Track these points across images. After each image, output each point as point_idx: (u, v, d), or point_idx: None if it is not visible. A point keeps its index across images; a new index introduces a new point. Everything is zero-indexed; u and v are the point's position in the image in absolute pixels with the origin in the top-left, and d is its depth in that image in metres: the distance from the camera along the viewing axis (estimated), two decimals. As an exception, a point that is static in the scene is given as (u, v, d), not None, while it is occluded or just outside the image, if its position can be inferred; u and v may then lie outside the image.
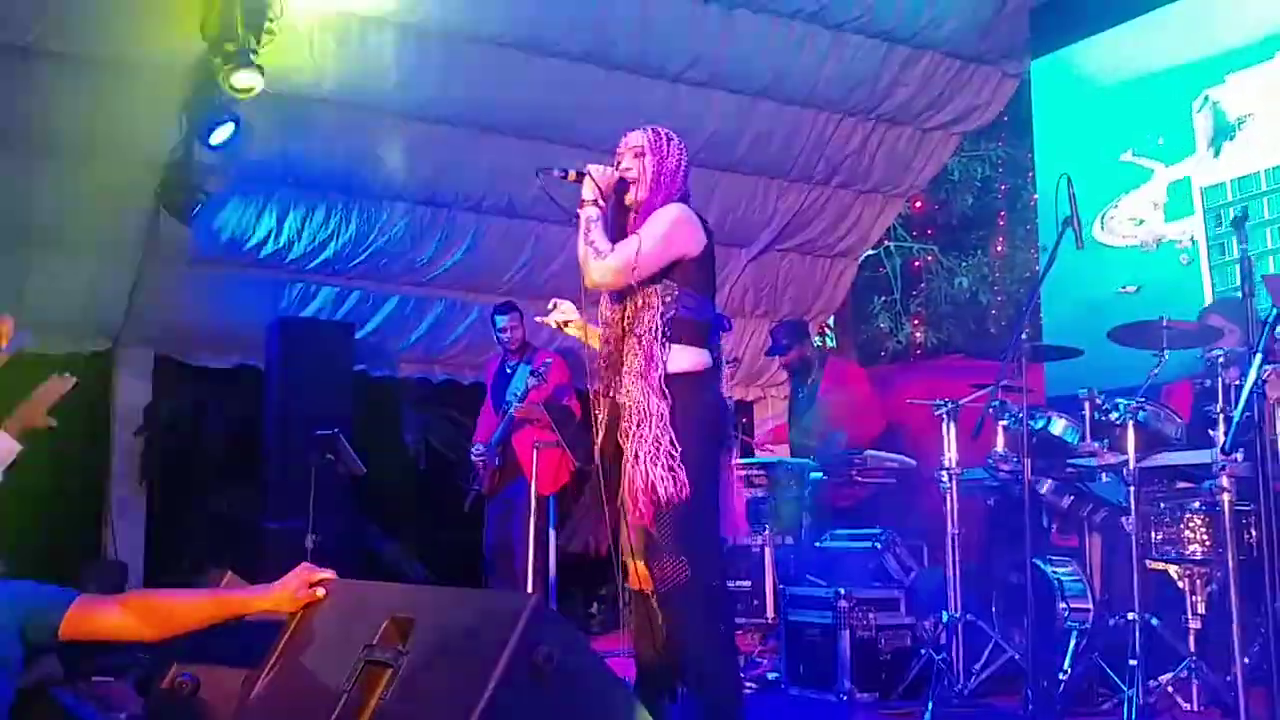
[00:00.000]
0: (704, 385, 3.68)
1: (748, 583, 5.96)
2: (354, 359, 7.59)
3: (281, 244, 7.35)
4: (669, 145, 3.85)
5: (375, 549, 8.17)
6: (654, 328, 3.61)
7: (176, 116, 6.52)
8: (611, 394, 3.70)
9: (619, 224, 3.81)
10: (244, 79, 5.96)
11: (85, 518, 7.39)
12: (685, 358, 3.64)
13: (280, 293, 7.59)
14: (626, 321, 3.68)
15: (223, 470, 7.92)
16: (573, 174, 3.81)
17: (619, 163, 3.85)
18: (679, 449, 3.51)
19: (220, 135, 6.39)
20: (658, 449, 3.51)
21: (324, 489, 6.32)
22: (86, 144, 6.52)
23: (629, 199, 3.81)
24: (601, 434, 3.74)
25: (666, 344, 3.60)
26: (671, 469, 3.50)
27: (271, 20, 5.94)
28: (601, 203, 3.76)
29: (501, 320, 6.82)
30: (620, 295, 3.72)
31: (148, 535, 7.42)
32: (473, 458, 6.84)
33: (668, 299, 3.63)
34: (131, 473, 7.50)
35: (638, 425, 3.56)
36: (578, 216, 3.74)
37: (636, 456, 3.54)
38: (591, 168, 3.80)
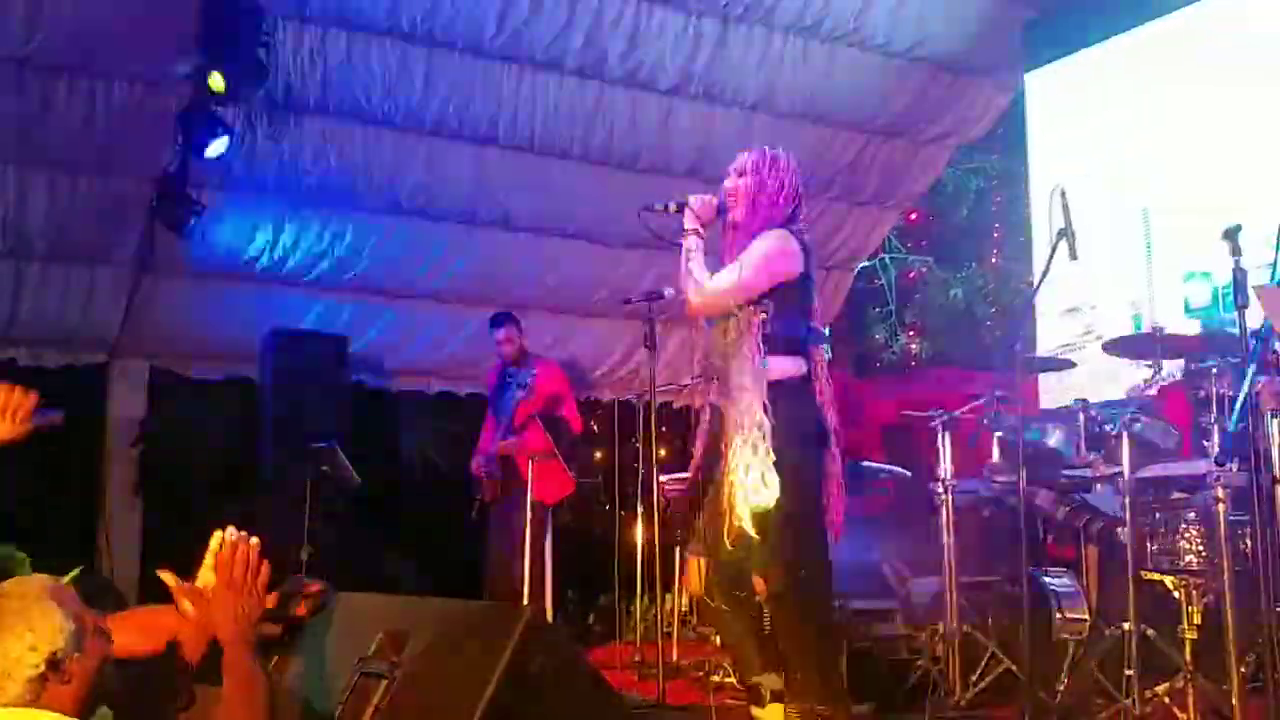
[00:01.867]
0: (799, 392, 3.85)
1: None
2: (350, 371, 7.58)
3: (277, 257, 7.35)
4: (772, 167, 3.99)
5: (370, 561, 8.15)
6: (754, 345, 3.78)
7: (171, 129, 6.52)
8: (713, 406, 3.89)
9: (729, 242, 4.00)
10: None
11: (80, 530, 7.37)
12: (779, 367, 3.81)
13: (276, 305, 7.59)
14: (729, 343, 3.84)
15: (218, 483, 7.90)
16: (674, 206, 4.04)
17: (726, 182, 4.04)
18: (773, 458, 3.65)
19: (215, 148, 6.40)
20: (755, 455, 3.65)
21: (320, 501, 6.31)
22: (82, 156, 6.52)
23: (730, 218, 3.99)
24: (701, 444, 3.95)
25: (764, 358, 3.78)
26: (769, 480, 3.63)
27: (265, 34, 5.96)
28: (702, 231, 3.98)
29: (497, 332, 6.82)
30: (721, 315, 3.89)
31: (142, 548, 7.40)
32: (474, 468, 6.84)
33: (764, 317, 3.80)
34: (126, 485, 7.49)
35: (740, 435, 3.69)
36: (680, 246, 3.96)
37: (736, 467, 3.67)
38: (691, 198, 4.01)
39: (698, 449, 4.01)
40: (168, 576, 2.35)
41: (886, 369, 12.25)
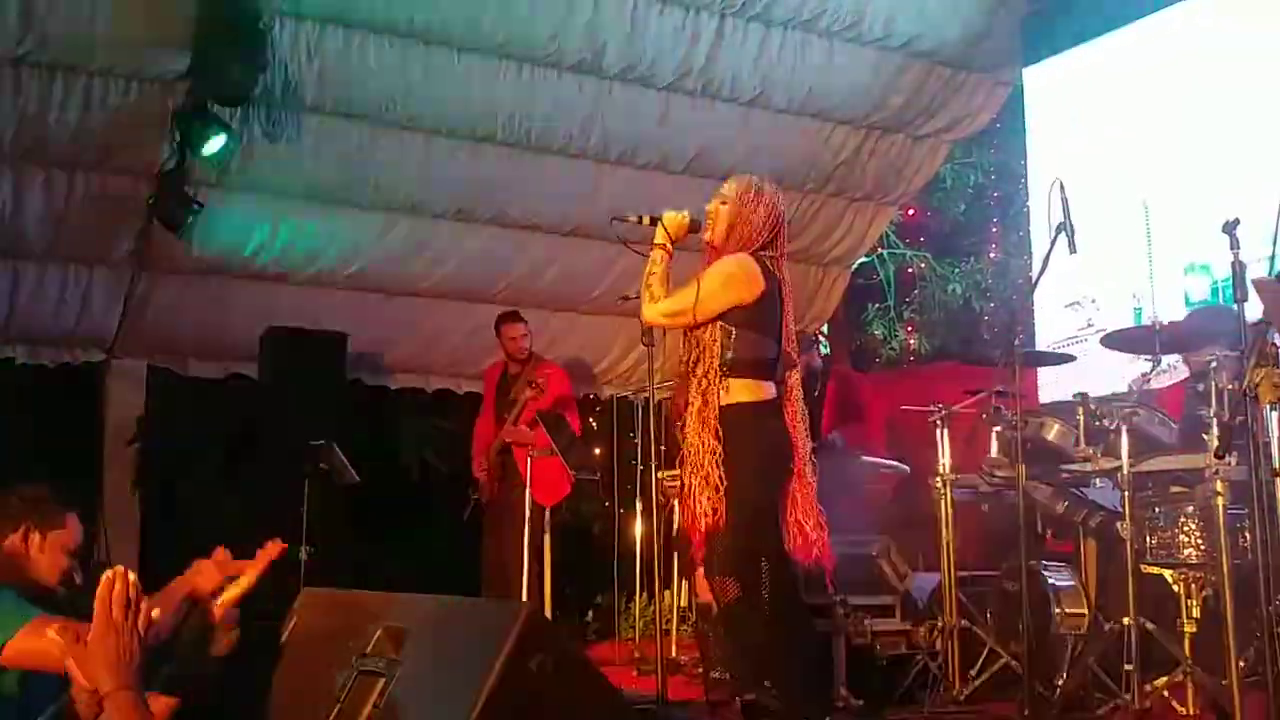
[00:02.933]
0: (762, 416, 3.91)
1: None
2: (348, 369, 7.58)
3: (274, 254, 7.34)
4: (756, 199, 4.06)
5: (369, 559, 8.15)
6: (711, 369, 3.88)
7: (168, 127, 6.51)
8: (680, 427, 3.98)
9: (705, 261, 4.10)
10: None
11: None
12: (744, 391, 3.88)
13: (273, 303, 7.57)
14: (691, 362, 3.95)
15: (216, 481, 7.90)
16: (647, 219, 4.15)
17: (708, 204, 4.12)
18: (725, 484, 3.77)
19: (212, 146, 6.40)
20: (705, 483, 3.79)
21: (318, 499, 6.31)
22: (78, 155, 6.52)
23: (706, 238, 4.09)
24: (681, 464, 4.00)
25: (724, 381, 3.86)
26: (715, 503, 3.77)
27: (261, 29, 5.94)
28: (670, 248, 4.06)
29: (511, 328, 6.83)
30: (685, 336, 4.01)
31: (140, 546, 7.40)
32: (474, 470, 6.84)
33: (725, 340, 3.89)
34: (124, 483, 7.48)
35: (692, 460, 3.84)
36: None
37: (689, 489, 3.84)
38: (665, 214, 4.09)
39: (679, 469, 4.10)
40: (51, 630, 2.19)
41: (885, 364, 12.27)
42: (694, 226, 4.09)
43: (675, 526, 4.11)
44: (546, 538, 6.58)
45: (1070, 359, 5.59)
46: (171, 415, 7.74)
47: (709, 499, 3.77)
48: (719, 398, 3.84)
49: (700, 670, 5.58)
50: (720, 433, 3.80)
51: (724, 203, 4.06)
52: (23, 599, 2.88)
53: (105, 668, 2.04)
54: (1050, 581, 4.97)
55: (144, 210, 6.83)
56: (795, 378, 4.11)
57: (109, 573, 2.13)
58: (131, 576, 2.13)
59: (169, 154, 6.59)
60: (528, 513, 6.22)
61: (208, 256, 7.18)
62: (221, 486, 7.84)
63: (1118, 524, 4.45)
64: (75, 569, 3.10)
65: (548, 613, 6.26)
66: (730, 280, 3.93)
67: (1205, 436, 4.12)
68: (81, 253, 7.01)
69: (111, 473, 7.47)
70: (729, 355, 3.87)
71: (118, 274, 7.17)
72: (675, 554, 6.55)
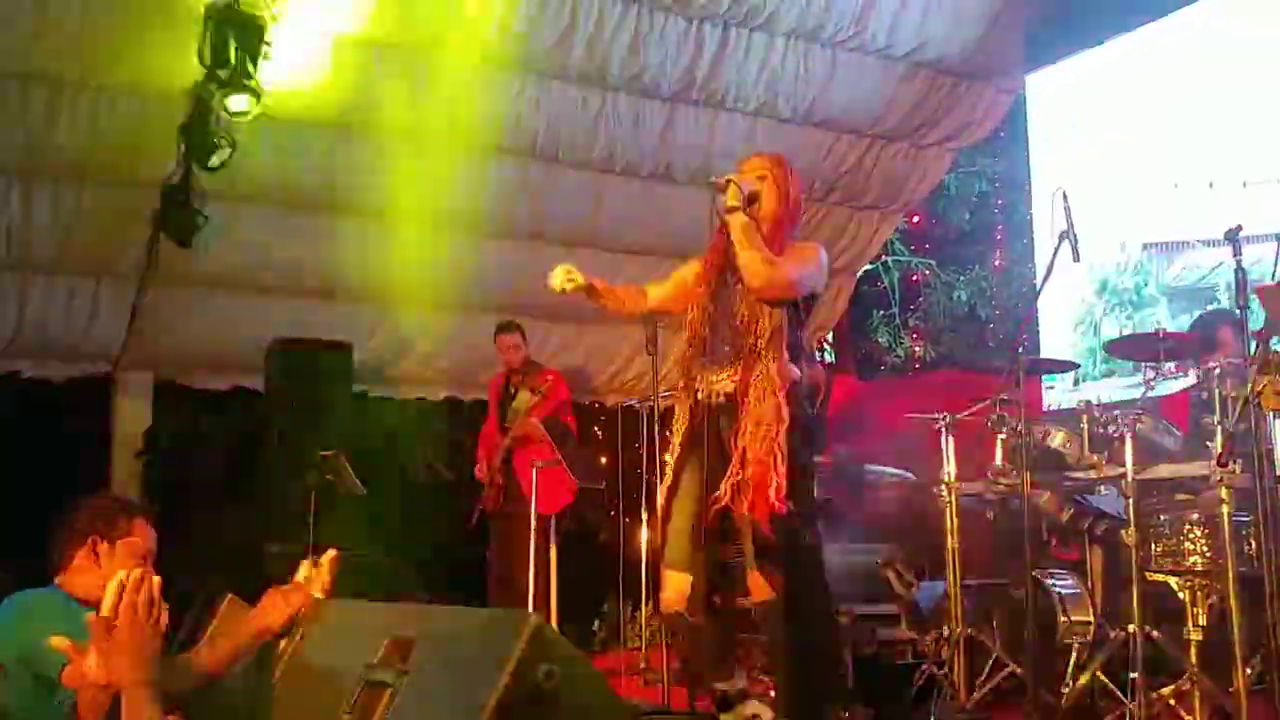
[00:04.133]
0: (808, 399, 3.95)
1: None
2: (354, 380, 7.59)
3: (280, 266, 7.36)
4: (791, 175, 4.05)
5: (375, 569, 8.15)
6: (781, 345, 3.78)
7: (175, 140, 6.53)
8: (708, 404, 3.82)
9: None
10: (238, 103, 6.00)
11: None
12: (794, 371, 3.85)
13: (279, 314, 7.59)
14: (753, 335, 3.80)
15: (223, 493, 7.91)
16: (723, 180, 3.93)
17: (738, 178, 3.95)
18: (786, 460, 3.66)
19: (218, 159, 6.41)
20: (776, 458, 3.65)
21: (324, 510, 6.32)
22: (85, 167, 6.54)
23: (754, 212, 3.92)
24: (684, 426, 3.88)
25: (787, 360, 3.80)
26: (779, 477, 3.64)
27: (267, 45, 5.96)
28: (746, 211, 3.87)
29: (504, 339, 6.84)
30: (735, 304, 3.85)
31: (149, 558, 7.41)
32: (478, 473, 6.85)
33: (792, 322, 3.85)
34: (132, 496, 7.49)
35: (761, 432, 3.68)
36: (724, 220, 3.86)
37: (757, 461, 3.66)
38: (737, 179, 3.92)
39: (677, 450, 3.92)
40: (59, 642, 2.19)
41: (890, 371, 12.27)
42: (752, 198, 3.96)
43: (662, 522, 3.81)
44: (552, 547, 6.59)
45: (1075, 366, 5.61)
46: (179, 428, 7.75)
47: (777, 473, 3.63)
48: (788, 374, 3.76)
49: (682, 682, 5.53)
50: (786, 410, 3.70)
51: (763, 177, 4.00)
52: (72, 600, 2.91)
53: (129, 661, 2.12)
54: (1056, 589, 4.98)
55: (151, 223, 6.85)
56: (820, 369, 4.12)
57: (135, 573, 2.21)
58: (155, 578, 2.21)
59: (175, 167, 6.61)
60: (533, 522, 6.23)
61: (214, 269, 7.20)
62: (229, 498, 7.86)
63: (1122, 531, 4.46)
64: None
65: (554, 622, 6.26)
66: (820, 269, 3.96)
67: (1210, 444, 4.13)
68: (88, 265, 7.03)
69: (119, 486, 7.48)
70: (788, 337, 3.82)
71: (124, 287, 7.19)
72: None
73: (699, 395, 3.86)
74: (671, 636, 5.04)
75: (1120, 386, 6.91)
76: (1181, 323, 6.64)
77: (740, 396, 3.75)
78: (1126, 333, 6.88)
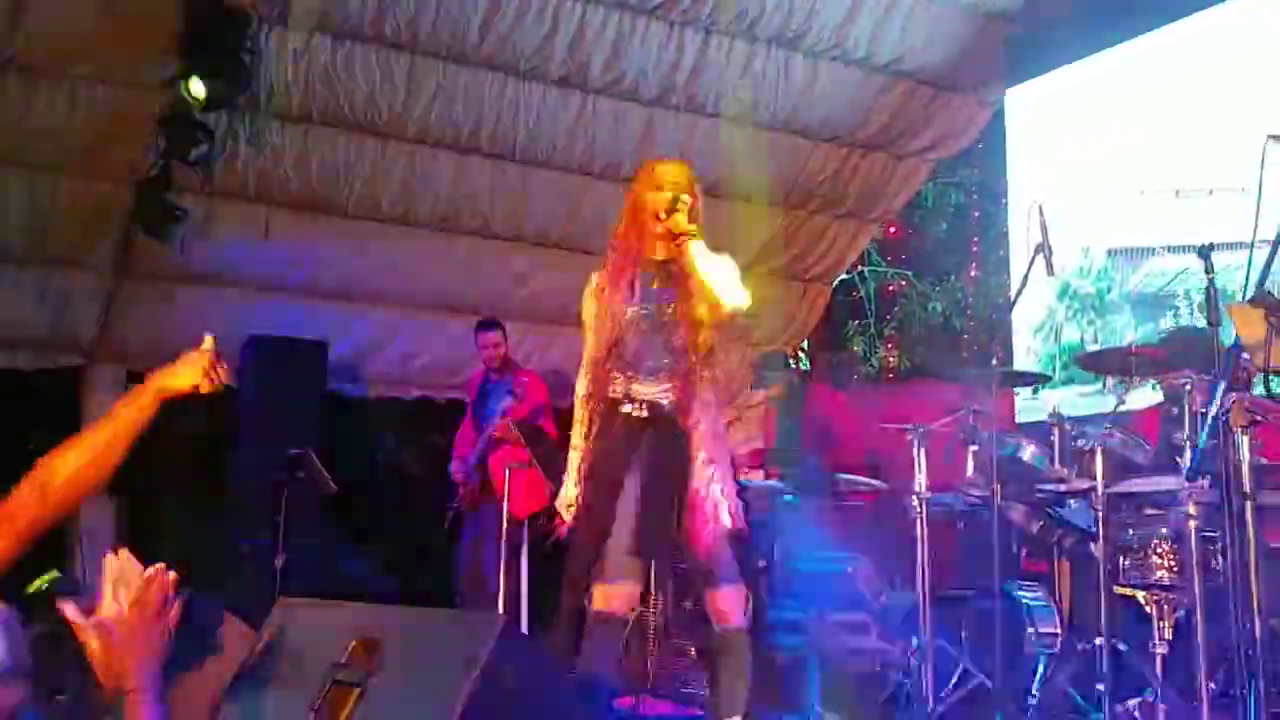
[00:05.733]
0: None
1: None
2: (328, 378, 7.56)
3: (256, 262, 7.33)
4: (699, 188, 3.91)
5: (345, 569, 8.12)
6: (745, 361, 3.71)
7: (153, 133, 6.50)
8: (635, 402, 3.72)
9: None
10: (200, 88, 6.00)
11: (53, 535, 7.31)
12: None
13: (254, 311, 7.56)
14: (693, 350, 3.71)
15: (193, 488, 7.87)
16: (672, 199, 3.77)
17: (678, 193, 3.79)
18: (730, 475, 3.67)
19: (197, 153, 6.39)
20: (727, 479, 3.65)
21: (294, 508, 6.29)
22: (62, 158, 6.50)
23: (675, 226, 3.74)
24: (618, 448, 3.71)
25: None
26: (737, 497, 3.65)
27: (246, 37, 5.95)
28: None
29: (484, 336, 6.82)
30: (683, 324, 3.73)
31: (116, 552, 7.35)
32: (452, 475, 6.83)
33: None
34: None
35: (711, 452, 3.65)
36: (680, 241, 3.71)
37: (711, 479, 3.63)
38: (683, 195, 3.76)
39: (600, 461, 3.74)
40: (69, 609, 2.09)
41: (865, 381, 12.29)
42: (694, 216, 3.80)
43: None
44: (524, 549, 6.57)
45: (1047, 378, 5.64)
46: (149, 422, 7.68)
47: (734, 492, 3.64)
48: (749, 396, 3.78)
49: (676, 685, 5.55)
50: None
51: (692, 191, 3.83)
52: None
53: (132, 664, 2.04)
54: (1024, 601, 5.00)
55: (126, 216, 6.81)
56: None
57: (151, 570, 2.12)
58: (172, 575, 2.12)
59: (153, 160, 6.58)
60: (505, 524, 6.20)
61: (189, 263, 7.16)
62: (199, 494, 7.82)
63: (1091, 545, 4.48)
64: None
65: (525, 625, 6.25)
66: None
67: (1179, 459, 4.16)
68: (63, 257, 6.99)
69: (88, 478, 7.42)
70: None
71: (99, 279, 7.15)
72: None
73: (626, 408, 3.73)
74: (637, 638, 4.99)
75: (1079, 394, 6.95)
76: (1146, 330, 6.71)
77: (682, 410, 3.69)
78: (1088, 338, 6.93)
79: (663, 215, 3.74)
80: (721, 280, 3.69)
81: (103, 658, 2.05)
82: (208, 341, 2.54)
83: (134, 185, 6.71)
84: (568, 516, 3.76)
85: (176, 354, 2.84)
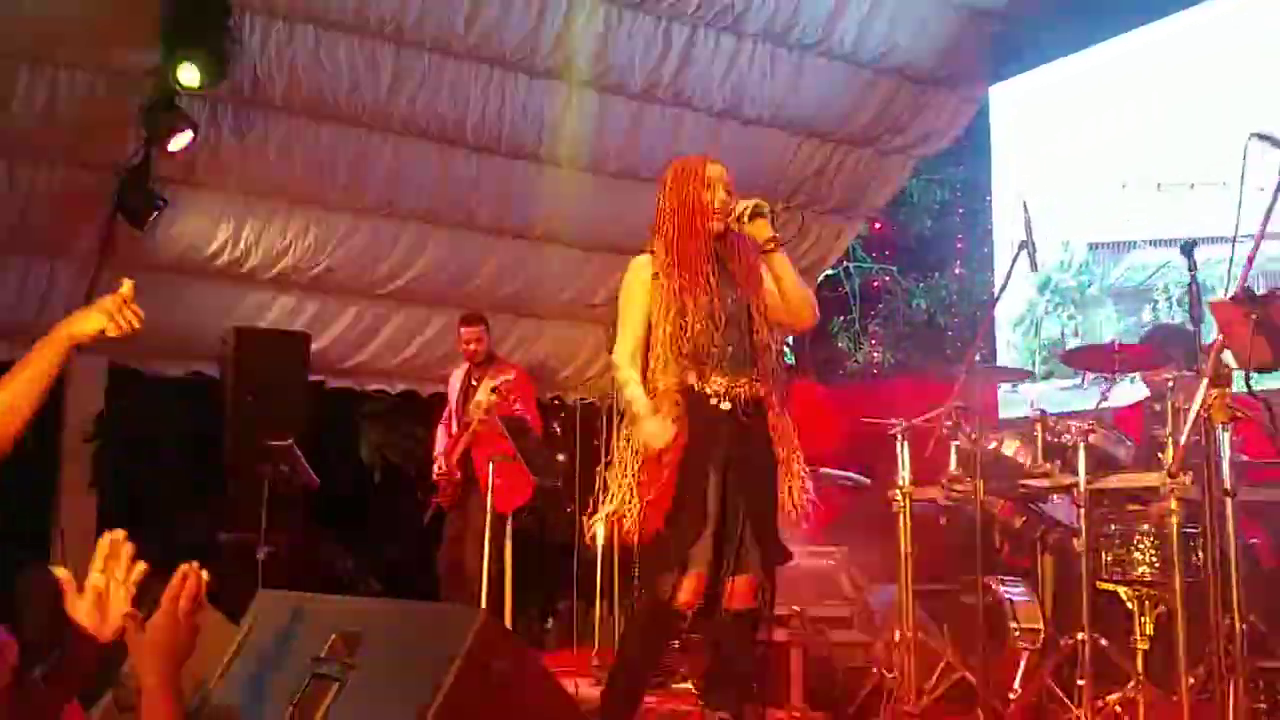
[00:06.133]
0: None
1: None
2: (311, 370, 7.53)
3: (239, 253, 7.30)
4: None
5: (327, 561, 8.11)
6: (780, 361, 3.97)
7: (135, 122, 6.46)
8: (717, 394, 3.75)
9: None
10: (190, 76, 5.97)
11: (34, 526, 7.28)
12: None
13: (237, 302, 7.53)
14: (771, 348, 3.88)
15: (175, 480, 7.84)
16: (752, 205, 3.84)
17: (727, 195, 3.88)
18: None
19: (179, 143, 6.36)
20: (802, 469, 3.82)
21: (277, 500, 6.27)
22: (42, 148, 6.45)
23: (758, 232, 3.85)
24: (706, 434, 3.72)
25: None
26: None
27: (228, 26, 5.92)
28: None
29: (467, 330, 6.79)
30: (743, 318, 3.85)
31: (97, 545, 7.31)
32: (434, 470, 6.80)
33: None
34: (82, 481, 7.41)
35: (787, 443, 3.82)
36: (769, 252, 3.85)
37: (794, 472, 3.82)
38: (762, 203, 3.85)
39: (689, 452, 3.70)
40: (62, 572, 2.13)
41: (849, 377, 12.31)
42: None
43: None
44: (507, 543, 6.55)
45: (1029, 374, 5.65)
46: (131, 413, 7.66)
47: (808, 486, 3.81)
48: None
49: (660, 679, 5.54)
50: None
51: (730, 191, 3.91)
52: None
53: (156, 659, 2.06)
54: (1007, 596, 5.01)
55: (108, 205, 6.77)
56: None
57: (184, 567, 2.13)
58: (204, 574, 2.13)
59: (135, 149, 6.54)
60: (488, 518, 6.19)
61: (171, 254, 7.12)
62: (180, 486, 7.78)
63: (1073, 540, 4.49)
64: None
65: (507, 619, 6.23)
66: None
67: (1161, 455, 4.17)
68: (43, 245, 6.94)
69: (68, 471, 7.39)
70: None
71: (80, 268, 7.10)
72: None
73: (711, 399, 3.74)
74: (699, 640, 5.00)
75: (1059, 388, 6.97)
76: (1126, 325, 6.73)
77: (765, 403, 3.81)
78: (1068, 332, 6.95)
79: (737, 219, 3.80)
80: (805, 294, 3.94)
81: (132, 650, 2.08)
82: (126, 285, 2.52)
83: (116, 174, 6.66)
84: (629, 523, 3.70)
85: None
